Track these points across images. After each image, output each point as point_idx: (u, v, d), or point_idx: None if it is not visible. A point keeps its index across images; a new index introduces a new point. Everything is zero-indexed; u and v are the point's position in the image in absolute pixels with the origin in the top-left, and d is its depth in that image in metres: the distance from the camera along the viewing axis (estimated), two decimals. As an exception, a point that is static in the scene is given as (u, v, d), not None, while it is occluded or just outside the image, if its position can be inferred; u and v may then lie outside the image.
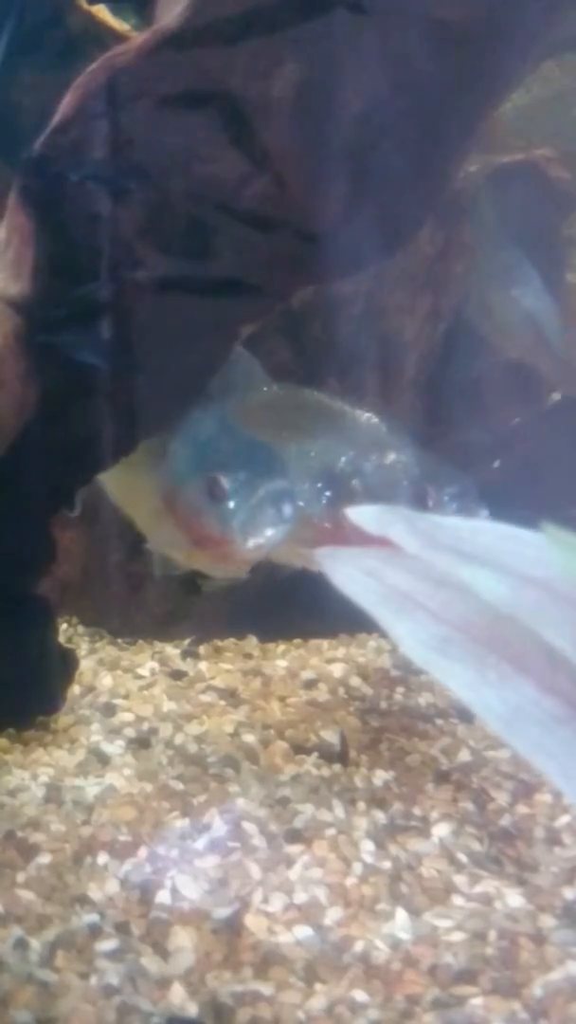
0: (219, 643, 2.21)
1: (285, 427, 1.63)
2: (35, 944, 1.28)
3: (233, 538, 1.44)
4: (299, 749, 1.77)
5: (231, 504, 1.42)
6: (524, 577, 0.55)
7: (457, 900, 1.38)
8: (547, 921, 1.33)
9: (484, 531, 0.59)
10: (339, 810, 1.57)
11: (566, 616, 0.53)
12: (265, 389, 1.69)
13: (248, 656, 2.18)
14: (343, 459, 1.60)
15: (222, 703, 1.95)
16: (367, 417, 1.68)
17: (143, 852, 1.46)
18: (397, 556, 0.58)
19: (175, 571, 1.68)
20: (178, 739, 1.81)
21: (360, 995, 1.20)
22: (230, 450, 1.46)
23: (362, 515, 0.60)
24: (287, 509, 1.41)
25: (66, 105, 1.46)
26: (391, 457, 1.60)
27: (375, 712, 1.91)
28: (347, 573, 0.59)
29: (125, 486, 1.70)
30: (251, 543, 1.44)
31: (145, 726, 1.85)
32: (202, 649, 2.19)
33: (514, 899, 1.38)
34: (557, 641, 0.53)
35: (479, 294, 2.24)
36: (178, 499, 1.51)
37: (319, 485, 1.56)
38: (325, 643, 2.21)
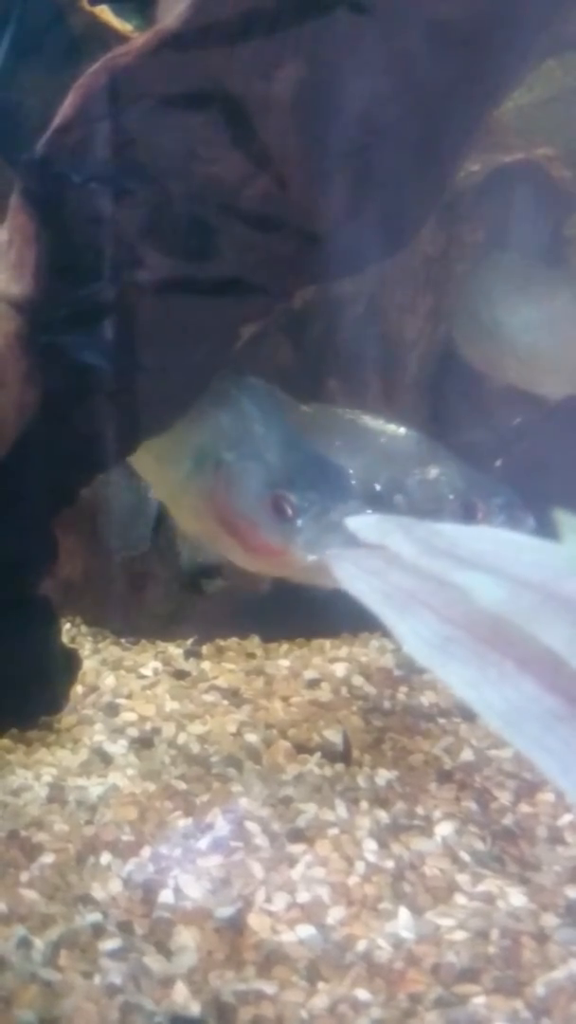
0: (222, 643, 2.22)
1: (322, 448, 1.60)
2: (38, 943, 1.28)
3: (295, 553, 1.40)
4: (302, 748, 1.78)
5: (299, 523, 1.37)
6: (521, 581, 0.55)
7: (460, 899, 1.38)
8: (550, 920, 1.33)
9: (481, 537, 0.59)
10: (342, 809, 1.57)
11: (562, 619, 0.53)
12: (295, 411, 1.67)
13: (251, 656, 2.18)
14: (384, 476, 1.58)
15: (225, 703, 1.95)
16: (405, 433, 1.66)
17: (146, 851, 1.47)
18: (403, 557, 0.59)
19: (202, 561, 1.64)
20: (181, 739, 1.81)
21: (363, 994, 1.21)
22: (297, 465, 1.40)
23: (359, 524, 0.61)
24: None
25: (67, 106, 1.46)
26: (434, 472, 1.58)
27: (378, 711, 1.91)
28: (353, 573, 0.59)
29: (164, 479, 1.65)
30: (312, 559, 1.40)
31: (148, 726, 1.86)
32: (205, 649, 2.20)
33: (517, 898, 1.38)
34: (554, 643, 0.53)
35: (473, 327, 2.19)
36: (235, 508, 1.45)
37: (361, 504, 1.52)
38: (328, 643, 2.21)
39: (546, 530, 0.61)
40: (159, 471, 1.68)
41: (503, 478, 2.19)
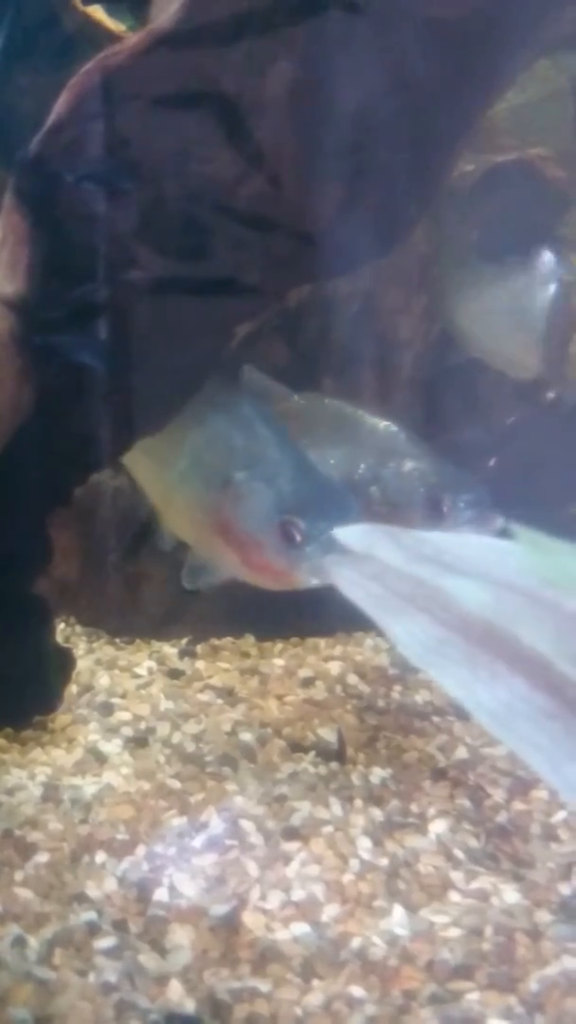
0: (216, 642, 2.22)
1: (305, 435, 1.64)
2: (33, 942, 1.29)
3: (299, 577, 1.42)
4: (296, 747, 1.78)
5: (306, 549, 1.38)
6: (506, 585, 0.56)
7: (454, 896, 1.39)
8: (543, 917, 1.34)
9: (466, 544, 0.60)
10: (336, 807, 1.58)
11: (545, 621, 0.54)
12: (286, 399, 1.70)
13: (245, 655, 2.18)
14: (362, 467, 1.62)
15: (219, 702, 1.96)
16: (385, 426, 1.70)
17: (141, 850, 1.47)
18: (398, 563, 0.60)
19: (208, 580, 1.65)
20: (176, 738, 1.81)
21: (357, 991, 1.21)
22: (308, 492, 1.41)
23: (348, 534, 0.62)
24: None
25: (61, 106, 1.46)
26: (409, 465, 1.62)
27: (372, 710, 1.91)
28: (350, 578, 0.60)
29: (160, 483, 1.66)
30: (315, 583, 1.41)
31: (143, 725, 1.86)
32: (199, 648, 2.20)
33: (510, 895, 1.38)
34: (538, 644, 0.54)
35: (450, 302, 2.21)
36: (242, 526, 1.46)
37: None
38: (322, 641, 2.22)
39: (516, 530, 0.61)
40: (154, 475, 1.68)
41: (493, 477, 2.20)
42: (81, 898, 1.38)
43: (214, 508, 1.49)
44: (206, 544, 1.55)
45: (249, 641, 2.23)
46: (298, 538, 1.37)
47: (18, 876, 1.42)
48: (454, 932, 1.31)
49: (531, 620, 0.54)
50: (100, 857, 1.46)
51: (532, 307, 2.04)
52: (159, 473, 1.66)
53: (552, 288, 2.03)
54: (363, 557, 0.61)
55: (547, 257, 2.02)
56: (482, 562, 0.58)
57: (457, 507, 1.62)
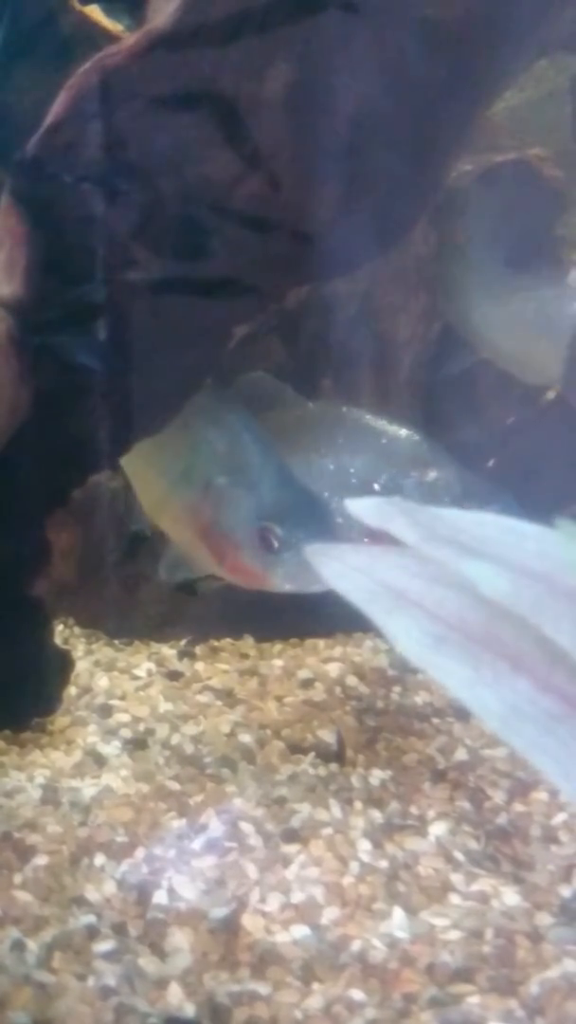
0: (215, 643, 2.21)
1: (322, 444, 1.62)
2: (32, 945, 1.28)
3: (274, 583, 1.46)
4: (296, 749, 1.77)
5: (282, 556, 1.42)
6: (524, 571, 0.55)
7: (454, 899, 1.38)
8: (544, 919, 1.34)
9: (485, 524, 0.58)
10: (336, 809, 1.57)
11: (566, 611, 0.53)
12: (301, 407, 1.69)
13: (244, 656, 2.18)
14: (384, 476, 1.60)
15: (218, 703, 1.95)
16: (407, 434, 1.67)
17: (140, 853, 1.46)
18: (391, 553, 0.58)
19: (185, 574, 1.67)
20: (175, 740, 1.81)
21: (357, 994, 1.21)
22: (288, 501, 1.45)
23: (361, 508, 0.60)
24: None
25: (58, 106, 1.46)
26: (432, 474, 1.60)
27: (372, 711, 1.91)
28: (338, 570, 0.58)
29: (151, 486, 1.68)
30: (288, 588, 1.46)
31: (141, 727, 1.85)
32: (198, 649, 2.19)
33: (511, 897, 1.38)
34: (557, 636, 0.52)
35: (464, 303, 2.22)
36: (221, 529, 1.50)
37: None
38: (321, 642, 2.21)
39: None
40: (142, 470, 1.68)
41: (500, 480, 2.19)
42: (80, 901, 1.37)
43: (195, 507, 1.52)
44: (186, 540, 1.58)
45: (248, 642, 2.23)
46: (275, 544, 1.41)
47: (17, 879, 1.42)
48: (454, 935, 1.30)
49: (549, 609, 0.52)
50: (99, 860, 1.45)
51: (560, 319, 2.08)
52: (147, 469, 1.67)
53: None
54: (349, 548, 0.60)
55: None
56: (500, 544, 0.57)
57: None
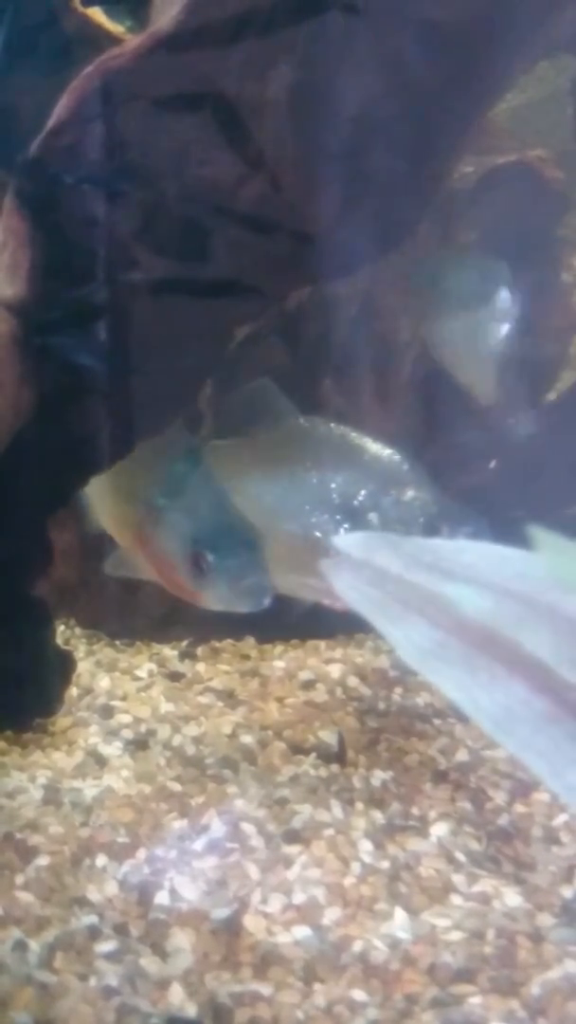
0: (216, 644, 2.22)
1: (308, 459, 1.67)
2: (34, 946, 1.28)
3: (204, 601, 1.58)
4: (297, 750, 1.78)
5: (213, 580, 1.54)
6: (506, 591, 0.56)
7: (455, 899, 1.38)
8: (545, 920, 1.34)
9: (466, 549, 0.60)
10: (337, 810, 1.57)
11: (545, 627, 0.54)
12: (291, 421, 1.73)
13: (246, 657, 2.18)
14: (363, 493, 1.64)
15: (220, 704, 1.95)
16: (389, 454, 1.72)
17: (141, 853, 1.47)
18: (395, 566, 0.60)
19: (127, 573, 1.76)
20: (176, 740, 1.81)
21: (359, 994, 1.21)
22: (218, 528, 1.57)
23: (347, 542, 0.62)
24: (263, 601, 1.54)
25: (61, 108, 1.46)
26: (409, 494, 1.64)
27: (373, 712, 1.91)
28: (348, 582, 0.60)
29: (104, 497, 1.77)
30: (218, 608, 1.59)
31: (143, 728, 1.86)
32: (200, 650, 2.20)
33: (512, 898, 1.38)
34: (538, 651, 0.54)
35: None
36: (158, 548, 1.61)
37: (338, 517, 1.62)
38: (323, 644, 2.21)
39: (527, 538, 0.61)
40: (101, 486, 1.76)
41: (491, 483, 2.20)
42: (82, 901, 1.37)
43: (139, 523, 1.64)
44: (130, 548, 1.70)
45: (249, 643, 2.23)
46: (206, 568, 1.53)
47: (19, 879, 1.42)
48: (456, 935, 1.30)
49: (530, 626, 0.54)
50: (101, 860, 1.46)
51: (486, 343, 2.09)
52: (102, 478, 1.77)
53: (504, 328, 2.08)
54: (361, 562, 0.61)
55: (504, 296, 2.07)
56: (481, 568, 0.58)
57: (457, 538, 1.62)
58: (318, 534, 1.60)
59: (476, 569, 0.58)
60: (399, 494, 1.63)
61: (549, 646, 0.52)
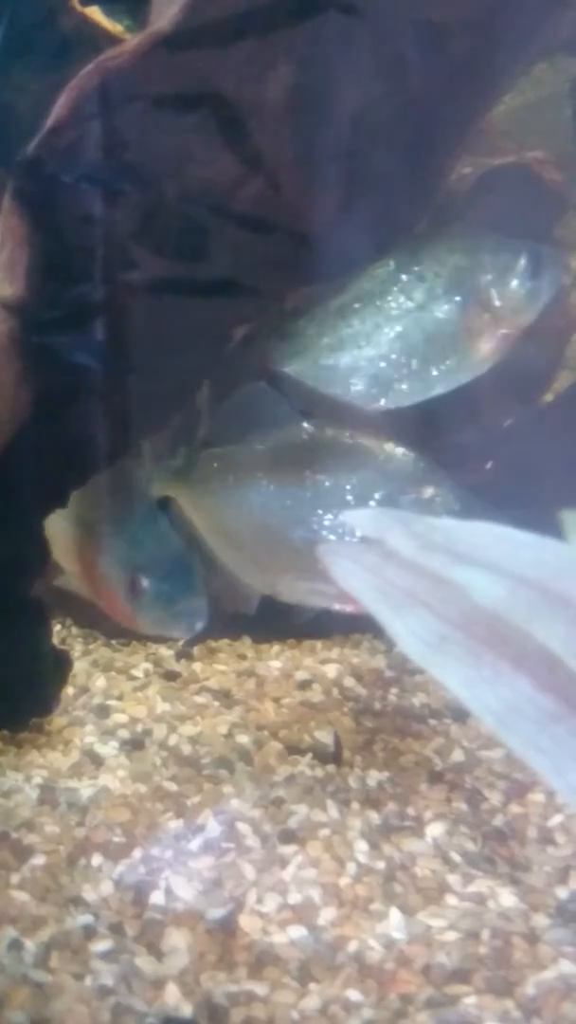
0: (213, 644, 2.21)
1: (317, 463, 1.66)
2: (29, 945, 1.28)
3: (139, 625, 1.67)
4: (293, 750, 1.78)
5: (148, 604, 1.62)
6: (519, 578, 0.55)
7: (451, 900, 1.38)
8: (540, 920, 1.34)
9: (479, 533, 0.59)
10: (333, 810, 1.57)
11: (559, 617, 0.53)
12: (294, 426, 1.71)
13: (242, 657, 2.18)
14: (379, 494, 1.63)
15: (216, 704, 1.95)
16: (402, 453, 1.70)
17: (137, 853, 1.47)
18: (399, 554, 0.59)
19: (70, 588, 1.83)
20: (172, 740, 1.81)
21: (354, 994, 1.21)
22: (156, 555, 1.65)
23: (357, 518, 0.61)
24: (197, 626, 1.62)
25: (60, 107, 1.46)
26: (429, 492, 1.62)
27: (369, 713, 1.91)
28: (348, 569, 0.59)
29: (55, 523, 1.79)
30: (152, 632, 1.69)
31: (139, 727, 1.85)
32: (196, 650, 2.19)
33: (507, 898, 1.38)
34: (550, 642, 0.53)
35: None
36: (99, 573, 1.69)
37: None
38: (319, 644, 2.21)
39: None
40: (53, 523, 1.79)
41: (489, 483, 2.20)
42: (77, 901, 1.37)
43: (81, 545, 1.73)
44: (74, 572, 1.79)
45: (246, 643, 2.23)
46: (141, 593, 1.61)
47: (14, 879, 1.42)
48: (451, 936, 1.30)
49: (543, 615, 0.53)
50: (96, 860, 1.46)
51: None
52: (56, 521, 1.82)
53: None
54: (361, 548, 0.61)
55: None
56: (495, 552, 0.57)
57: None
58: (332, 538, 1.59)
59: (490, 552, 0.56)
60: (419, 493, 1.61)
61: (561, 637, 0.52)
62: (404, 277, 1.59)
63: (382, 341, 1.61)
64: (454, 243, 1.62)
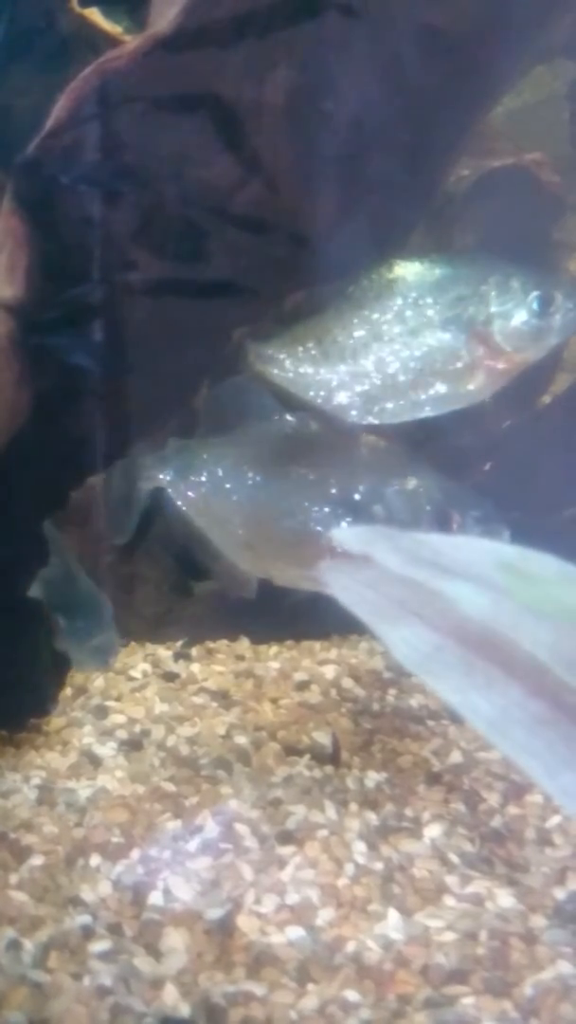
0: (211, 645, 2.22)
1: (303, 455, 1.66)
2: (28, 945, 1.29)
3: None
4: (291, 751, 1.78)
5: (73, 642, 1.82)
6: (503, 589, 0.56)
7: (448, 900, 1.39)
8: (538, 921, 1.34)
9: (464, 547, 0.60)
10: (331, 811, 1.58)
11: (543, 627, 0.54)
12: (278, 419, 1.71)
13: (240, 658, 2.18)
14: (363, 486, 1.63)
15: (214, 705, 1.96)
16: (385, 444, 1.71)
17: (135, 854, 1.47)
18: (394, 569, 0.59)
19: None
20: (170, 741, 1.81)
21: (352, 995, 1.21)
22: (72, 595, 1.85)
23: (345, 536, 0.62)
24: (109, 660, 1.91)
25: (59, 109, 1.46)
26: (412, 483, 1.63)
27: (367, 714, 1.92)
28: (346, 585, 0.60)
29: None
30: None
31: (137, 728, 1.86)
32: (194, 651, 2.20)
33: (505, 899, 1.39)
34: (536, 651, 0.54)
35: None
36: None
37: (340, 511, 1.61)
38: (317, 644, 2.22)
39: (523, 540, 0.61)
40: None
41: (487, 485, 2.20)
42: (76, 901, 1.38)
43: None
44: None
45: (244, 644, 2.23)
46: (63, 630, 1.82)
47: (13, 879, 1.42)
48: (449, 936, 1.31)
49: (528, 624, 0.54)
50: (95, 860, 1.46)
51: None
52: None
53: None
54: (358, 563, 0.61)
55: None
56: (480, 565, 0.58)
57: (467, 523, 1.61)
58: (319, 528, 1.59)
59: (476, 566, 0.57)
60: (401, 484, 1.62)
61: (548, 645, 0.52)
62: (400, 300, 1.58)
63: (368, 360, 1.60)
64: (460, 270, 1.60)
